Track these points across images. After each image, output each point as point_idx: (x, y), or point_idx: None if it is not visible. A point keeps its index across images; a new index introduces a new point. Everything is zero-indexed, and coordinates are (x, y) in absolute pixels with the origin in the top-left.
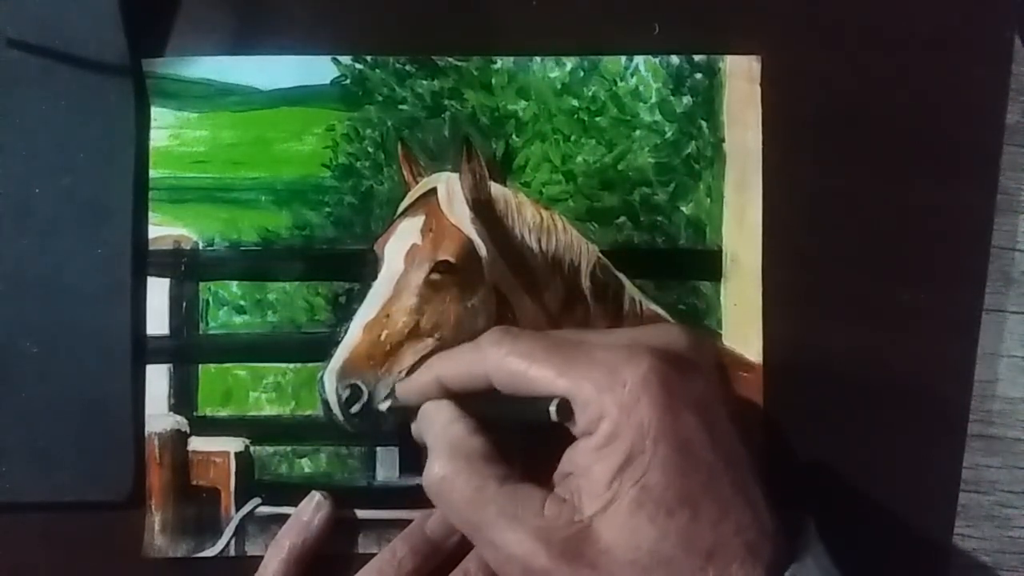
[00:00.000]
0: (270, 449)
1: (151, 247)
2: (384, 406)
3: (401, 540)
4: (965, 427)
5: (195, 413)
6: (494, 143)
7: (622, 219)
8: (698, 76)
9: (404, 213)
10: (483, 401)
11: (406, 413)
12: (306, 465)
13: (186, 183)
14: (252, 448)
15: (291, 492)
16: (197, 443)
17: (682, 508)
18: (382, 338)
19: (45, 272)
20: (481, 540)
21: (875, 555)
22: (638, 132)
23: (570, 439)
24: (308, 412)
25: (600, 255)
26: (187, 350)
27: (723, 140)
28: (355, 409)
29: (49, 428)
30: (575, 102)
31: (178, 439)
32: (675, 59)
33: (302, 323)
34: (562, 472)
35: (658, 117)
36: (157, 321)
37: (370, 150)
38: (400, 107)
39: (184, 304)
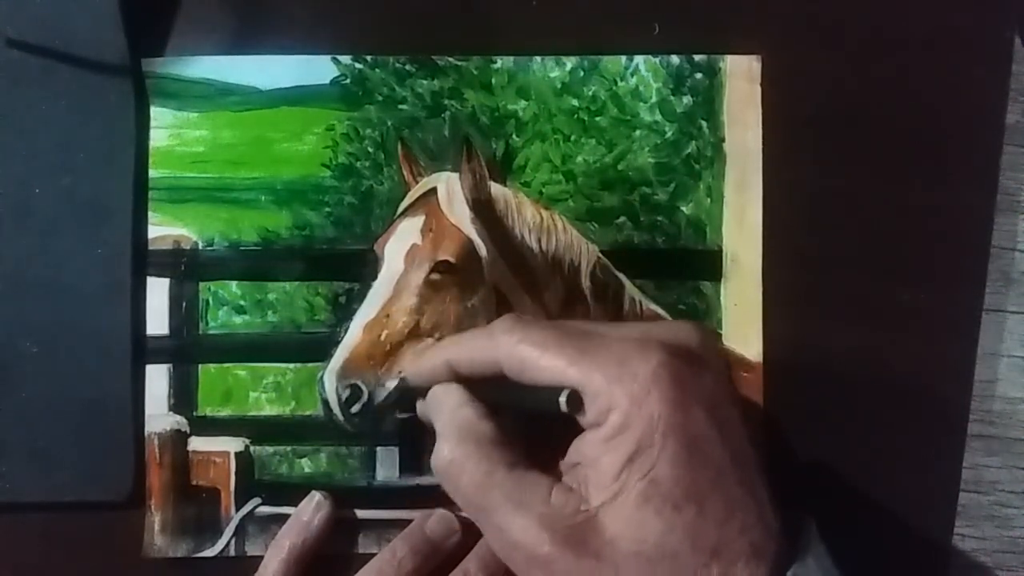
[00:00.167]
0: (270, 449)
1: (151, 247)
2: (391, 386)
3: (401, 540)
4: (965, 427)
5: (195, 413)
6: (494, 143)
7: (622, 219)
8: (698, 76)
9: (404, 213)
10: (492, 387)
11: (413, 397)
12: (306, 465)
13: (186, 183)
14: (252, 448)
15: (291, 492)
16: (197, 443)
17: (689, 503)
18: (382, 338)
19: (45, 272)
20: (487, 524)
21: (875, 555)
22: (638, 132)
23: (578, 429)
24: (308, 412)
25: (600, 255)
26: (187, 350)
27: (723, 140)
28: (355, 409)
29: (49, 428)
30: (575, 102)
31: (178, 439)
32: (675, 59)
33: (302, 323)
34: (570, 462)
35: (658, 117)
36: (157, 321)
37: (370, 150)
38: (400, 107)
39: (184, 304)
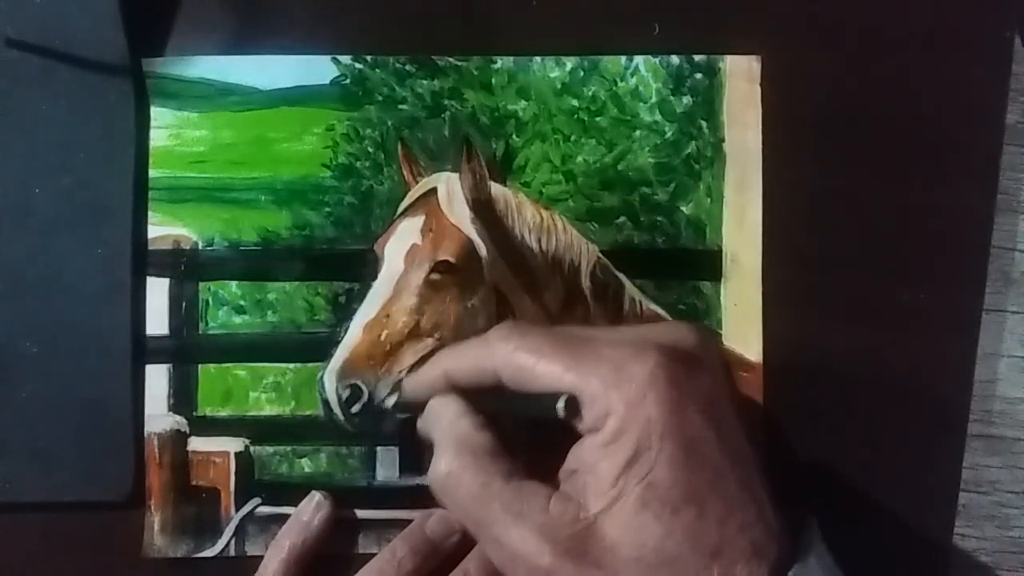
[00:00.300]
0: (270, 449)
1: (151, 247)
2: (390, 402)
3: (401, 540)
4: (965, 427)
5: (195, 413)
6: (494, 143)
7: (622, 219)
8: (698, 76)
9: (404, 213)
10: (490, 397)
11: (411, 409)
12: (306, 465)
13: (186, 183)
14: (252, 448)
15: (291, 492)
16: (197, 443)
17: (688, 506)
18: (382, 338)
19: (45, 272)
20: (485, 537)
21: (875, 555)
22: (638, 132)
23: (576, 436)
24: (308, 412)
25: (600, 255)
26: (187, 350)
27: (723, 140)
28: (355, 409)
29: (49, 428)
30: (575, 102)
31: (178, 439)
32: (675, 59)
33: (302, 323)
34: (568, 469)
35: (658, 117)
36: (157, 321)
37: (370, 150)
38: (400, 107)
39: (184, 304)
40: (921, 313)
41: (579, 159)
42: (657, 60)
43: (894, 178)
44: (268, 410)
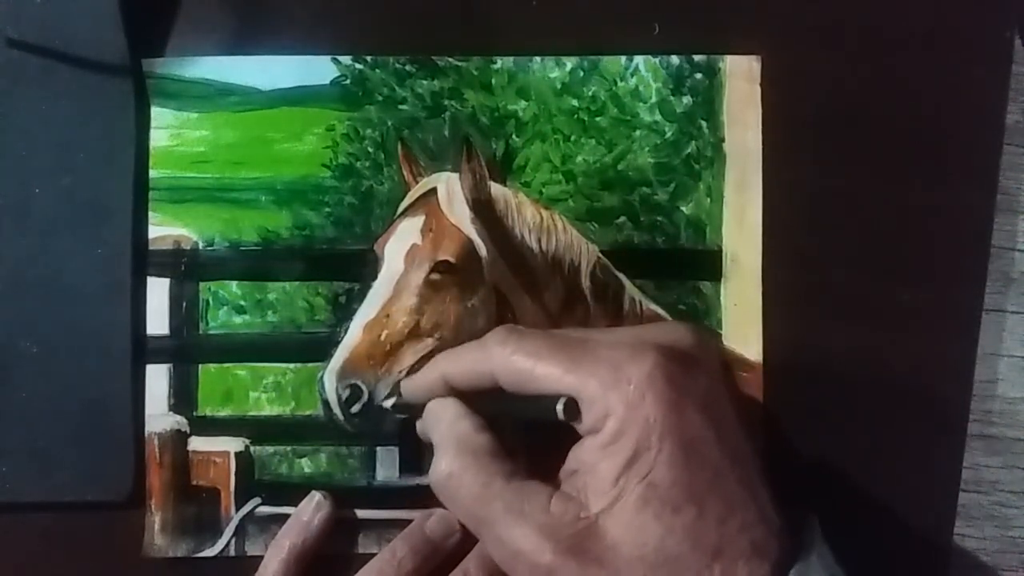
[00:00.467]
0: (270, 449)
1: (151, 247)
2: (388, 403)
3: (401, 540)
4: (965, 427)
5: (195, 413)
6: (494, 143)
7: (622, 219)
8: (698, 76)
9: (404, 213)
10: (489, 399)
11: (410, 411)
12: (306, 465)
13: (186, 183)
14: (252, 448)
15: (291, 492)
16: (197, 443)
17: (688, 505)
18: (382, 338)
19: (45, 272)
20: (487, 536)
21: (875, 555)
22: (638, 132)
23: (575, 437)
24: (308, 412)
25: (600, 255)
26: (187, 350)
27: (723, 140)
28: (355, 409)
29: (49, 428)
30: (575, 102)
31: (178, 439)
32: (675, 59)
33: (302, 323)
34: (568, 470)
35: (658, 117)
36: (157, 321)
37: (370, 150)
38: (400, 107)
39: (184, 304)
40: (921, 313)
41: (579, 159)
42: (657, 60)
43: (894, 178)
44: (268, 410)
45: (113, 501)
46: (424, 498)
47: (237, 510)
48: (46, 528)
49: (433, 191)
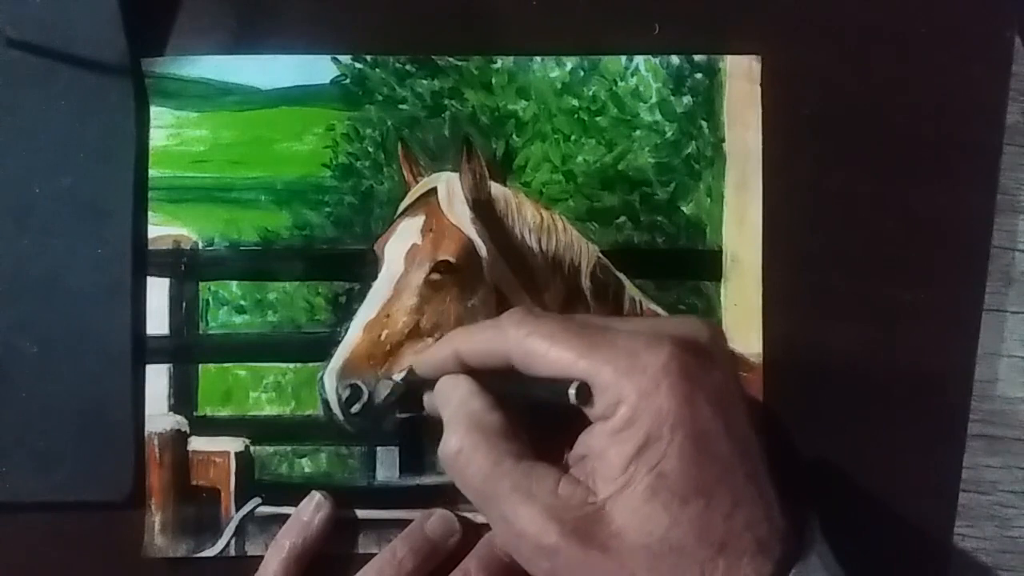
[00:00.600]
0: (270, 449)
1: (151, 247)
2: (399, 376)
3: (401, 540)
4: (965, 427)
5: (195, 413)
6: (494, 143)
7: (622, 219)
8: (698, 76)
9: (404, 213)
10: (501, 379)
11: (416, 392)
12: (306, 465)
13: (186, 183)
14: (252, 448)
15: (291, 492)
16: (197, 443)
17: (696, 497)
18: (382, 338)
19: (45, 272)
20: (493, 515)
21: (875, 555)
22: (638, 132)
23: (585, 422)
24: (308, 412)
25: (600, 255)
26: (187, 350)
27: (723, 140)
28: (355, 409)
29: (49, 428)
30: (575, 102)
31: (178, 439)
32: (675, 59)
33: (302, 323)
34: (577, 454)
35: (658, 117)
36: (157, 321)
37: (370, 150)
38: (400, 107)
39: (184, 304)
40: (921, 313)
41: (579, 159)
42: (657, 60)
43: (894, 178)
44: (268, 410)
45: (113, 501)
46: (424, 498)
47: (237, 510)
48: (46, 528)
49: (433, 191)
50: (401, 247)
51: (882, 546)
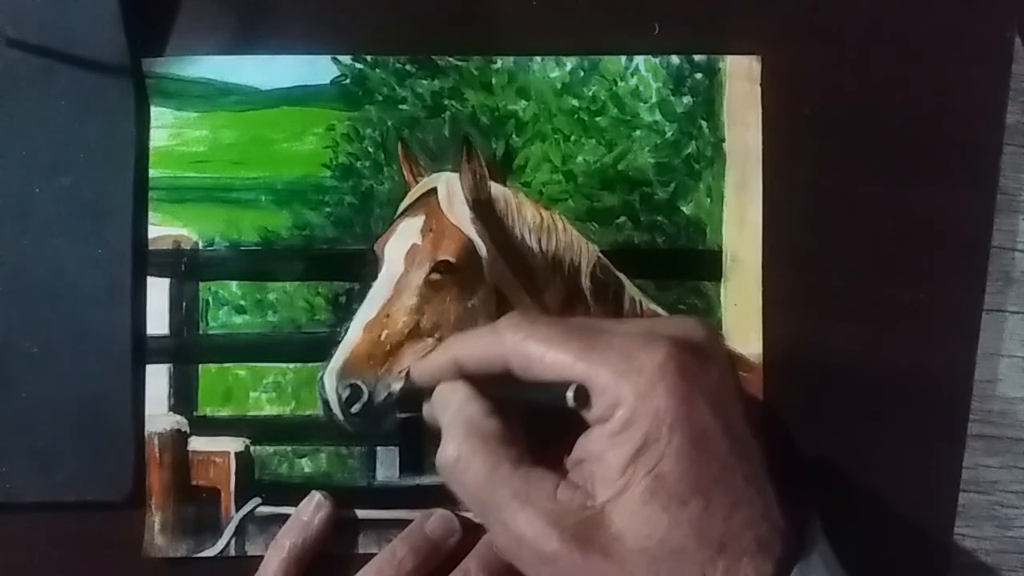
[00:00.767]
0: (270, 449)
1: (151, 247)
2: (397, 386)
3: (401, 540)
4: (965, 427)
5: (195, 413)
6: (494, 143)
7: (622, 219)
8: (698, 76)
9: (404, 213)
10: (498, 384)
11: (418, 394)
12: (306, 465)
13: (186, 183)
14: (252, 448)
15: (291, 492)
16: (197, 443)
17: (695, 498)
18: (382, 338)
19: (45, 272)
20: (492, 521)
21: (875, 555)
22: (638, 132)
23: (584, 425)
24: (308, 412)
25: (600, 255)
26: (187, 350)
27: (723, 140)
28: (355, 409)
29: (49, 428)
30: (575, 102)
31: (178, 439)
32: (675, 59)
33: (302, 323)
34: (576, 458)
35: (658, 117)
36: (157, 321)
37: (370, 150)
38: (400, 107)
39: (184, 304)
40: (921, 313)
41: (579, 159)
42: (657, 60)
43: (894, 178)
44: (268, 410)
45: (113, 501)
46: (424, 498)
47: (237, 510)
48: (46, 528)
49: (433, 191)
50: (401, 247)
51: (882, 546)
